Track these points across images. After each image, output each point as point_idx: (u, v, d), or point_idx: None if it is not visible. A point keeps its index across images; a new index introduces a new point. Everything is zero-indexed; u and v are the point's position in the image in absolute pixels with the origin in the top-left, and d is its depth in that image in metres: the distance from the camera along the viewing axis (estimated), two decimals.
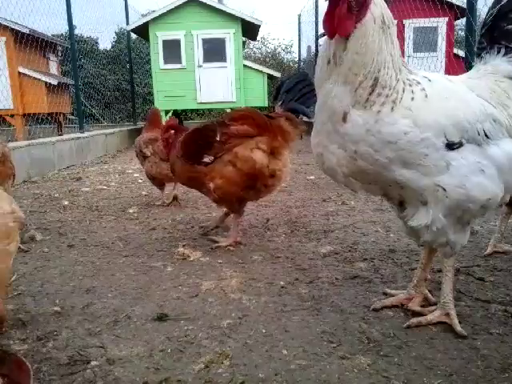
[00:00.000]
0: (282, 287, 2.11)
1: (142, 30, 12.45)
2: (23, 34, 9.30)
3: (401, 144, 1.48)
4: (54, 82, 10.25)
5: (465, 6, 4.75)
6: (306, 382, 1.38)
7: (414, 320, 1.71)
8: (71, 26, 8.52)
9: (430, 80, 1.57)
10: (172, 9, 11.81)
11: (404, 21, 10.38)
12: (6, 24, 9.35)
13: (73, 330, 1.73)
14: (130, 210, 3.81)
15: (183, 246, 2.72)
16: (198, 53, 12.08)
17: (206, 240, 2.88)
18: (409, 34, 10.89)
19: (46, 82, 10.10)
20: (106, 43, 20.31)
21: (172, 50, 12.02)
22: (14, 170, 2.84)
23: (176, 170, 2.87)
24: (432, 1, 8.01)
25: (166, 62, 12.08)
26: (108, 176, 5.88)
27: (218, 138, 2.58)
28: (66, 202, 4.16)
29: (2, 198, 1.50)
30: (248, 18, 12.25)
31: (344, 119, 1.52)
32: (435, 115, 1.50)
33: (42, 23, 10.74)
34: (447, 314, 1.68)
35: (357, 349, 1.55)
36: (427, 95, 1.52)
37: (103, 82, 16.49)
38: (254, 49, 26.65)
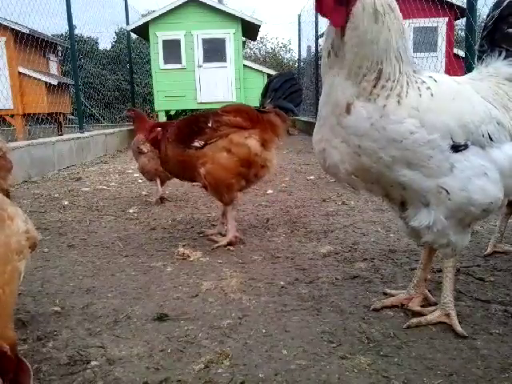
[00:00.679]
0: (282, 287, 2.11)
1: (142, 30, 12.46)
2: (23, 33, 9.32)
3: (406, 144, 1.46)
4: (54, 82, 10.27)
5: (465, 6, 4.75)
6: (306, 381, 1.38)
7: (414, 320, 1.71)
8: (71, 26, 8.51)
9: (435, 80, 1.55)
10: (172, 9, 11.84)
11: (404, 21, 10.35)
12: (6, 24, 9.37)
13: (73, 330, 1.73)
14: (130, 210, 3.81)
15: (183, 246, 2.73)
16: (198, 53, 12.10)
17: (206, 240, 2.88)
18: (409, 34, 10.88)
19: (46, 82, 10.12)
20: (106, 43, 20.37)
21: (172, 50, 12.03)
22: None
23: (168, 155, 2.88)
24: (432, 1, 8.01)
25: (165, 62, 12.10)
26: (108, 176, 5.88)
27: (209, 125, 2.71)
28: (66, 202, 4.16)
29: (17, 215, 1.48)
30: (248, 18, 12.27)
31: (348, 111, 1.50)
32: (442, 116, 1.48)
33: (42, 23, 10.74)
34: (447, 315, 1.68)
35: (357, 349, 1.55)
36: (433, 94, 1.49)
37: (103, 82, 16.48)
38: (254, 49, 26.68)
